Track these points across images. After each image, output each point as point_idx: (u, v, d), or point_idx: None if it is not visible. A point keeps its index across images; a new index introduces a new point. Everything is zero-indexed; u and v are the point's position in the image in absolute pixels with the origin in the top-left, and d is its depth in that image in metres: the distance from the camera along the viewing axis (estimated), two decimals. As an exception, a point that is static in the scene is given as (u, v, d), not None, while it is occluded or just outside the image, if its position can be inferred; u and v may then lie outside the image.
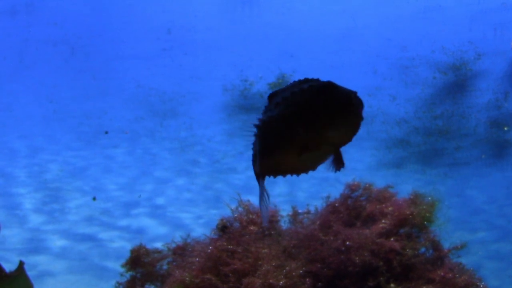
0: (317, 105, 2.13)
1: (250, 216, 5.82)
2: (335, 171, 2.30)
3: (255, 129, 2.34)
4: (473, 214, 8.61)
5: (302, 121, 2.14)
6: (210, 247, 5.48)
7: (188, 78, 12.33)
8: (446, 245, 6.08)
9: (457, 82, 11.14)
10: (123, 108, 11.81)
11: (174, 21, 13.03)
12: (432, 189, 8.31)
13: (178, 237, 6.06)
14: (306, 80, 2.23)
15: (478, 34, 11.75)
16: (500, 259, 7.70)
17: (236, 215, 5.81)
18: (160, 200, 9.41)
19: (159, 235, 8.38)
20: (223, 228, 5.66)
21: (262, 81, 11.75)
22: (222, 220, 5.77)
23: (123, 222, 8.88)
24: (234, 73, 11.85)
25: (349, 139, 2.19)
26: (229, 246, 5.46)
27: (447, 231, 7.63)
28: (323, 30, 12.69)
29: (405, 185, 8.51)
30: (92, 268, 7.79)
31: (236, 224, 5.76)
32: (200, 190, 9.58)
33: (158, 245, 6.19)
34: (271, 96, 2.33)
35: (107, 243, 8.38)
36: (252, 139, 2.41)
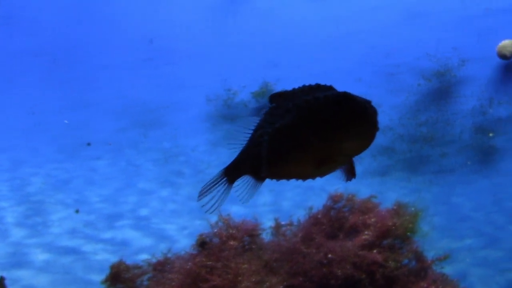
0: (333, 116, 2.12)
1: (230, 231, 5.79)
2: (346, 181, 2.34)
3: (262, 133, 2.32)
4: (459, 221, 8.58)
5: (317, 132, 2.13)
6: (189, 263, 5.44)
7: (171, 88, 12.24)
8: (432, 253, 6.07)
9: (441, 89, 11.10)
10: (106, 119, 11.71)
11: (156, 31, 12.92)
12: (417, 197, 8.27)
13: (163, 249, 6.03)
14: (318, 87, 2.25)
15: (463, 40, 11.71)
16: (487, 266, 7.68)
17: (215, 230, 5.77)
18: (144, 212, 9.34)
19: (143, 247, 8.34)
20: (202, 244, 5.62)
21: (245, 90, 11.69)
22: (201, 235, 5.74)
23: (107, 235, 8.81)
24: (217, 82, 11.77)
25: (363, 150, 2.18)
26: (208, 262, 5.42)
27: (434, 239, 7.60)
28: (307, 38, 12.62)
29: (391, 193, 8.51)
30: (76, 282, 7.74)
31: (216, 240, 5.72)
32: (184, 201, 9.50)
33: (143, 257, 6.15)
34: (275, 97, 2.35)
35: (90, 256, 8.32)
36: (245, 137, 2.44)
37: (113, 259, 6.22)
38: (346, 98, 2.15)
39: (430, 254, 6.07)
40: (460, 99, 10.89)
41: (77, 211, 9.24)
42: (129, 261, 6.21)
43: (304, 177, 2.35)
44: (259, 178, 2.43)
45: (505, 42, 11.32)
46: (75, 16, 13.37)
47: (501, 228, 8.36)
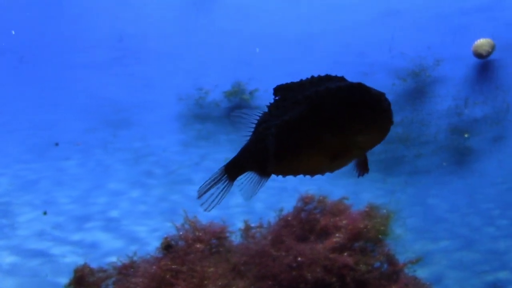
0: (346, 108, 2.02)
1: (197, 233, 5.66)
2: (358, 176, 2.27)
3: (268, 126, 2.22)
4: (435, 223, 8.50)
5: (329, 125, 2.04)
6: (154, 267, 5.31)
7: (141, 87, 12.15)
8: (407, 255, 6.01)
9: (416, 89, 11.07)
10: (75, 119, 11.59)
11: (126, 29, 12.84)
12: (393, 198, 8.19)
13: (133, 251, 5.91)
14: (329, 78, 2.14)
15: (437, 40, 11.73)
16: (463, 268, 7.60)
17: (181, 232, 5.65)
18: (114, 213, 9.18)
19: (113, 249, 8.20)
20: (167, 247, 5.50)
21: (217, 89, 11.62)
22: (166, 238, 5.61)
23: (76, 237, 8.65)
24: (188, 81, 11.71)
25: (377, 144, 2.09)
26: (173, 266, 5.28)
27: (409, 241, 7.52)
28: (280, 36, 12.59)
29: (366, 194, 8.42)
30: (44, 285, 7.60)
31: (181, 243, 5.60)
32: (155, 202, 9.37)
33: (113, 259, 6.02)
34: (280, 90, 2.23)
35: (59, 259, 8.15)
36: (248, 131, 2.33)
37: (82, 262, 6.08)
38: (361, 89, 2.04)
39: (404, 257, 5.98)
40: (435, 99, 10.86)
41: (45, 213, 9.07)
42: (98, 264, 6.09)
43: (313, 173, 2.24)
44: (264, 174, 2.33)
45: (481, 41, 11.32)
46: (43, 13, 13.25)
47: (477, 229, 8.30)
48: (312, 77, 2.21)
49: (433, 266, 7.56)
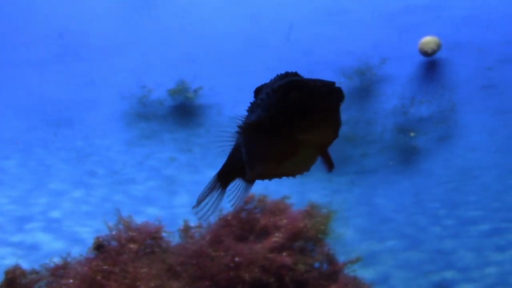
0: (288, 107, 1.91)
1: (131, 233, 5.53)
2: (327, 172, 2.11)
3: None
4: (381, 222, 8.48)
5: (273, 127, 1.94)
6: (85, 268, 5.16)
7: (83, 85, 11.95)
8: (352, 255, 5.94)
9: (362, 87, 11.06)
10: (14, 117, 11.35)
11: (66, 25, 12.65)
12: (338, 197, 8.13)
13: (75, 253, 5.77)
14: (286, 75, 2.07)
15: (383, 38, 11.77)
16: (409, 268, 7.58)
17: (114, 232, 5.52)
18: (55, 214, 9.00)
19: (55, 251, 8.00)
20: (99, 247, 5.36)
21: (161, 87, 11.47)
22: (97, 238, 5.48)
23: (16, 238, 8.46)
24: (132, 79, 11.54)
25: (332, 138, 1.96)
26: (104, 267, 5.14)
27: (355, 241, 7.47)
28: (225, 34, 12.52)
29: (312, 194, 8.34)
30: (-18, 288, 7.40)
31: (114, 243, 5.46)
32: (98, 202, 9.21)
33: (54, 261, 5.86)
34: (256, 91, 2.17)
35: (-2, 261, 7.97)
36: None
37: (23, 263, 5.92)
38: (297, 86, 1.88)
39: (349, 257, 5.93)
40: (381, 98, 10.88)
41: (-17, 214, 8.88)
42: (38, 266, 5.92)
43: (289, 174, 2.11)
44: (248, 180, 2.28)
45: (427, 39, 11.39)
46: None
47: (423, 229, 8.31)
48: (277, 75, 2.07)
49: (379, 266, 7.54)
